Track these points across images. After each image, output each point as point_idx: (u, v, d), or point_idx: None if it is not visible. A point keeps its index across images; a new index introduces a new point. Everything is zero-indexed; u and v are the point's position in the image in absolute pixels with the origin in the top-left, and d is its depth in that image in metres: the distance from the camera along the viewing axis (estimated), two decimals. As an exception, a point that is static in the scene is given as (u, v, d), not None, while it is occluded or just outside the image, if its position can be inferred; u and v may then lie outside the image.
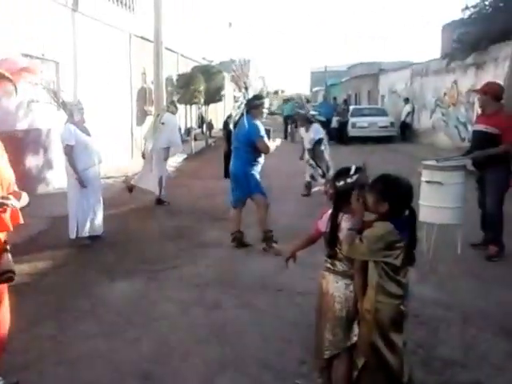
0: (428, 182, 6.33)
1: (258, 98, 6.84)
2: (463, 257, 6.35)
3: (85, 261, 6.51)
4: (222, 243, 7.23)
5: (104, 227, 7.43)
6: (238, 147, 6.77)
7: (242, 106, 6.81)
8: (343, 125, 24.04)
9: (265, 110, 6.99)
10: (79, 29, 13.01)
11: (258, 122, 6.69)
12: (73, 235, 7.02)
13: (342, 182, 3.14)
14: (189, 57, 24.86)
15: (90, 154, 7.07)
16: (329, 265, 3.25)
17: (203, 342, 4.32)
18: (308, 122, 10.89)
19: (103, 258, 6.59)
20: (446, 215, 6.29)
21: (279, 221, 8.51)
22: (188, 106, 23.61)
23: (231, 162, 6.94)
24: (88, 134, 7.12)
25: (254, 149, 6.64)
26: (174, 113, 10.50)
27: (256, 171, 6.77)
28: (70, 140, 6.89)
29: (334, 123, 23.77)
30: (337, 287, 3.18)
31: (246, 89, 6.90)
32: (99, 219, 7.30)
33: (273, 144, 6.94)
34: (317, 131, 10.68)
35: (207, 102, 22.01)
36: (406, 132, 24.13)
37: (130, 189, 9.84)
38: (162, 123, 9.98)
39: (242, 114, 6.76)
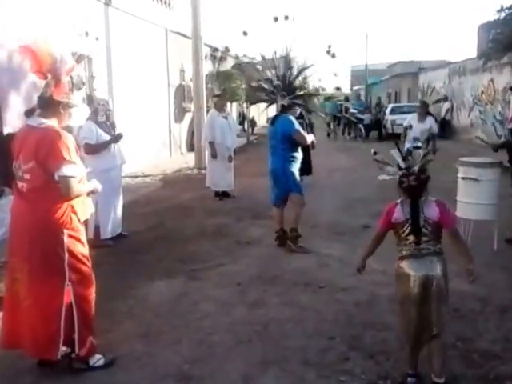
0: (464, 178, 6.76)
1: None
2: (499, 252, 6.63)
3: (120, 261, 6.54)
4: (262, 241, 7.28)
5: (140, 226, 7.46)
6: (275, 145, 6.95)
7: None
8: (378, 122, 26.48)
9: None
10: (113, 23, 13.20)
11: (291, 117, 6.97)
12: (91, 235, 6.89)
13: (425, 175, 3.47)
14: (229, 53, 24.97)
15: (113, 154, 7.06)
16: (414, 250, 3.43)
17: (245, 341, 4.34)
18: (427, 112, 10.84)
19: (140, 258, 6.64)
20: (481, 211, 6.69)
21: (321, 216, 8.55)
22: (228, 103, 23.80)
23: (270, 161, 7.07)
24: (111, 135, 7.06)
25: (291, 144, 6.85)
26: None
27: (295, 168, 6.92)
28: (91, 139, 6.81)
29: (366, 120, 26.02)
30: (432, 268, 3.38)
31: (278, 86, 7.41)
32: (118, 219, 7.33)
33: (309, 136, 7.10)
34: (434, 124, 10.68)
35: (248, 100, 22.19)
36: (445, 129, 25.13)
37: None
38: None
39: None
